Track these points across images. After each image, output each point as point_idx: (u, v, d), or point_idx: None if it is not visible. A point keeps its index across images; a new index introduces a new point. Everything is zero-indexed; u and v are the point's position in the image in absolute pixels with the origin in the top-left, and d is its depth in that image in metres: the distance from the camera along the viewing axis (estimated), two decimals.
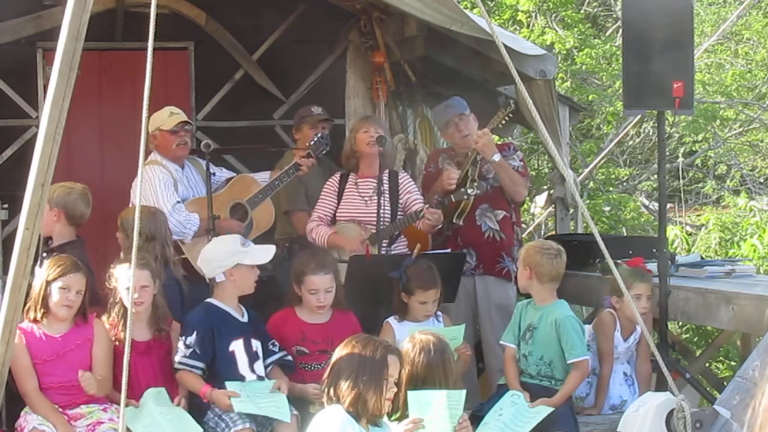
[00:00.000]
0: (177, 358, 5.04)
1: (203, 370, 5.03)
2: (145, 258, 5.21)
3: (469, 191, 6.05)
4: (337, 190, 6.33)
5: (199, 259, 5.25)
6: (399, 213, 6.20)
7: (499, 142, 6.56)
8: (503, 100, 6.43)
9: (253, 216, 6.23)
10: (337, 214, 6.29)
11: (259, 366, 5.12)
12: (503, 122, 6.34)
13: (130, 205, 5.96)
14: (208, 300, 5.20)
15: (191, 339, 5.01)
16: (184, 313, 5.31)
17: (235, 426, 4.80)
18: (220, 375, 5.02)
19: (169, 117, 6.11)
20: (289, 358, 5.27)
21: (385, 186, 6.18)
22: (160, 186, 5.90)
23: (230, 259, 5.11)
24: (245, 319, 5.20)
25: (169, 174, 6.03)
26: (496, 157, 6.17)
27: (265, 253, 5.24)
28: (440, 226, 6.12)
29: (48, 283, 4.94)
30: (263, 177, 6.46)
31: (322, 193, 6.37)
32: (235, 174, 6.53)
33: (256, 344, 5.14)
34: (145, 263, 5.13)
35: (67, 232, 5.69)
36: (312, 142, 6.32)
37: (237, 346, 5.07)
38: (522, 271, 5.50)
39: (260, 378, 5.10)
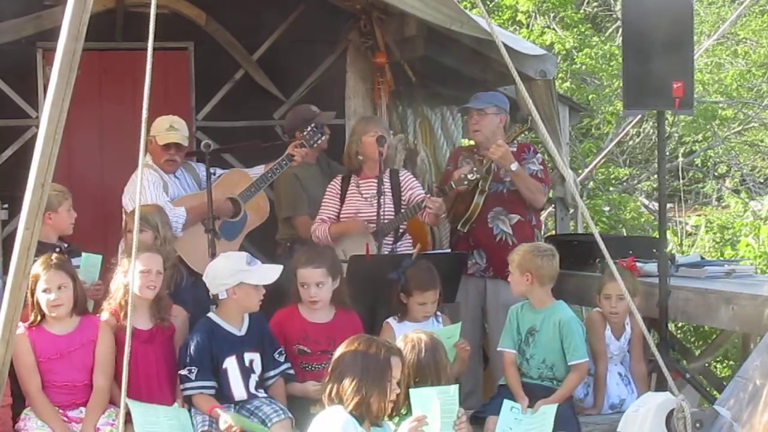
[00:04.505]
0: (186, 384, 4.95)
1: (215, 387, 4.99)
2: (155, 245, 5.36)
3: (469, 176, 6.04)
4: (339, 192, 6.34)
5: (204, 274, 5.18)
6: (403, 210, 6.20)
7: (521, 142, 6.53)
8: (521, 115, 6.43)
9: (246, 210, 6.25)
10: (341, 216, 6.30)
11: (252, 382, 5.06)
12: (519, 138, 6.38)
13: (125, 208, 6.04)
14: (209, 315, 5.14)
15: (198, 361, 4.95)
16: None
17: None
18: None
19: (167, 131, 6.14)
20: (291, 371, 5.22)
21: (386, 185, 6.18)
22: (149, 187, 5.96)
23: (233, 277, 4.99)
24: (243, 331, 5.10)
25: (159, 176, 6.14)
26: (514, 167, 6.15)
27: (272, 272, 5.09)
28: (444, 215, 6.10)
29: (33, 291, 4.89)
30: (256, 172, 6.47)
31: (325, 196, 6.38)
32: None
33: (250, 357, 5.07)
34: (157, 249, 5.22)
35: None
36: (305, 132, 6.33)
37: (230, 363, 5.01)
38: (519, 277, 5.43)
39: (253, 396, 5.04)
